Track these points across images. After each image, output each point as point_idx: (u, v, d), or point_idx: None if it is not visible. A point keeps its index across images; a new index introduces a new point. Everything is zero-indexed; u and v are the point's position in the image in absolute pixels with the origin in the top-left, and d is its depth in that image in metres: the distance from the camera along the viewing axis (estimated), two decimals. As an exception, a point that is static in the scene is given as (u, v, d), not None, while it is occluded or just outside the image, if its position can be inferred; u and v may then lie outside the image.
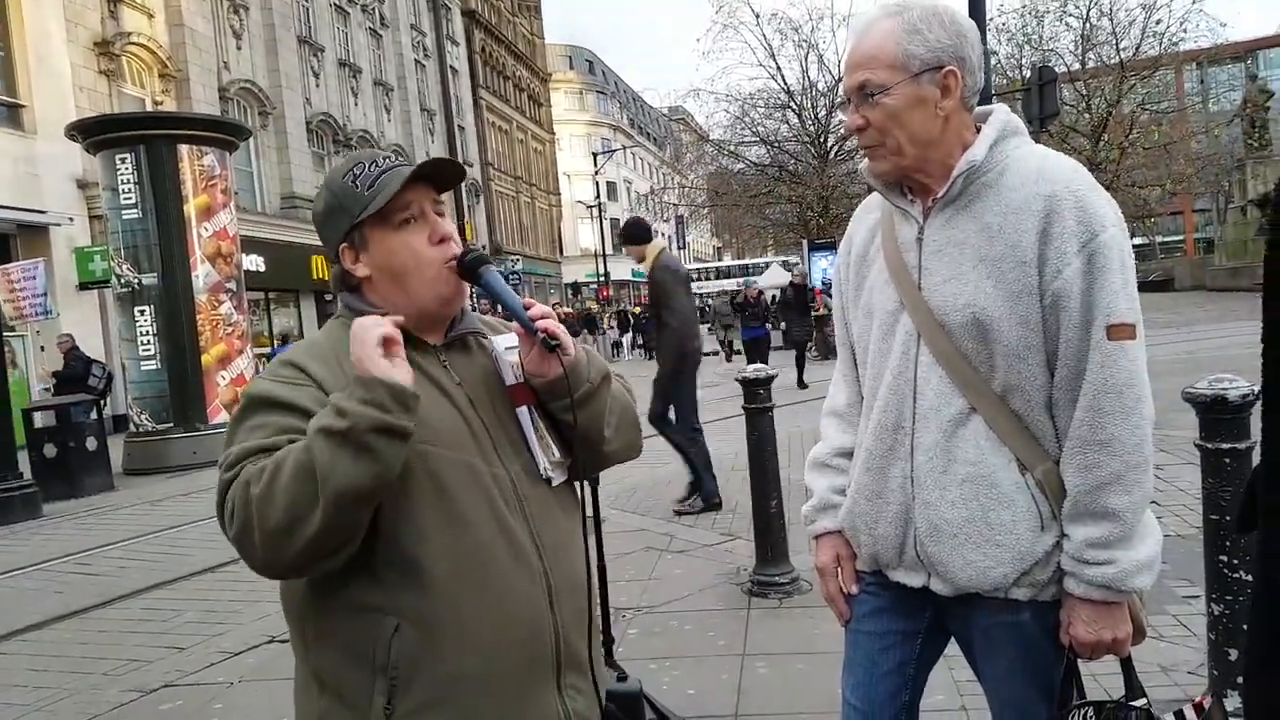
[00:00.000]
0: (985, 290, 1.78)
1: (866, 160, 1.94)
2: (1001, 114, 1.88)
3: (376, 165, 1.71)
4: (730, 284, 40.48)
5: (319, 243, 1.80)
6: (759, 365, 5.52)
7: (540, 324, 1.68)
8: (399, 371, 1.49)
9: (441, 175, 1.75)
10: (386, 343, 1.51)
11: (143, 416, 14.18)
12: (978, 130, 1.87)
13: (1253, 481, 1.13)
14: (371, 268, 1.71)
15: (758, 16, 34.36)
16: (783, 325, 18.60)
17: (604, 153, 62.87)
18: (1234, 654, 3.22)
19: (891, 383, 1.92)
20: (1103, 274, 1.71)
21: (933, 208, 1.88)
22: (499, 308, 1.80)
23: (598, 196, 56.97)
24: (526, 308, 1.71)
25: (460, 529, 1.59)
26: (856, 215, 2.14)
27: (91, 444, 12.13)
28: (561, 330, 1.70)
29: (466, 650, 1.58)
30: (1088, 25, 34.44)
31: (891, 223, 1.98)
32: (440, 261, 1.70)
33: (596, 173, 59.69)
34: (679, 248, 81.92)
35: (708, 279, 54.97)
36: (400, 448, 1.49)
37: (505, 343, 1.80)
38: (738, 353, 27.38)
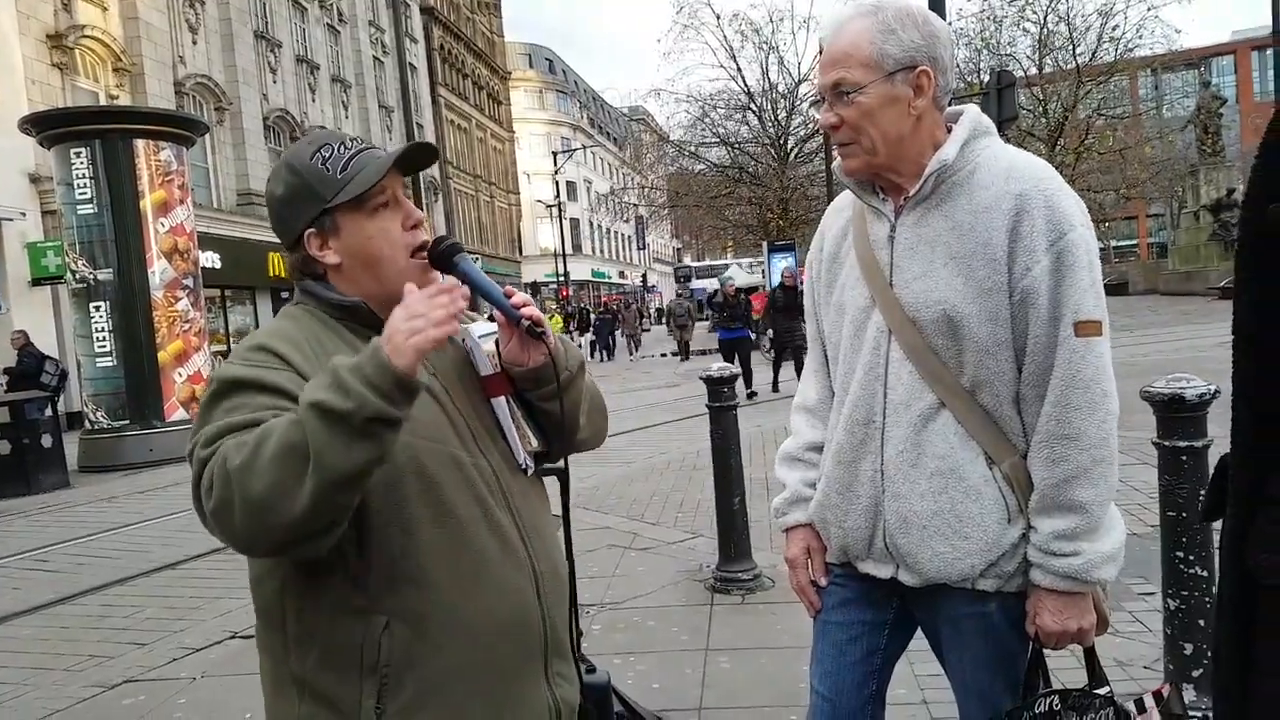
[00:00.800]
0: (956, 287, 1.82)
1: (839, 159, 1.97)
2: (972, 114, 1.92)
3: (345, 147, 1.65)
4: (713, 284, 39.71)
5: (277, 239, 1.68)
6: (724, 364, 5.54)
7: (524, 311, 1.65)
8: (418, 366, 1.40)
9: (414, 160, 1.71)
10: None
11: (98, 414, 13.98)
12: (949, 130, 1.91)
13: (1221, 469, 1.17)
14: (343, 254, 1.64)
15: (719, 17, 34.48)
16: (769, 330, 17.37)
17: (564, 152, 62.75)
18: (1189, 648, 3.30)
19: (863, 378, 1.96)
20: (1070, 272, 1.76)
21: (904, 206, 1.92)
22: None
23: (557, 196, 56.89)
24: (507, 295, 1.69)
25: (448, 521, 1.57)
26: (828, 214, 2.18)
27: (46, 441, 11.96)
28: (543, 317, 1.68)
29: (460, 643, 1.56)
30: (1045, 30, 34.83)
31: (863, 221, 2.01)
32: (414, 247, 1.66)
33: (556, 172, 59.59)
34: (639, 248, 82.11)
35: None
36: (395, 436, 1.41)
37: (479, 331, 1.74)
38: (701, 353, 27.40)
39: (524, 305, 1.67)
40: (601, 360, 32.88)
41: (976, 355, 1.83)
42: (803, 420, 2.23)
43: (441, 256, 1.68)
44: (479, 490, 1.61)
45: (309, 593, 1.53)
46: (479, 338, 1.74)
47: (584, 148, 72.41)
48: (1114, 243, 66.70)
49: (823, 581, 2.15)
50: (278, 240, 1.69)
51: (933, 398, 1.87)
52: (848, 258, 2.04)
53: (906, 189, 1.91)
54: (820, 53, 1.96)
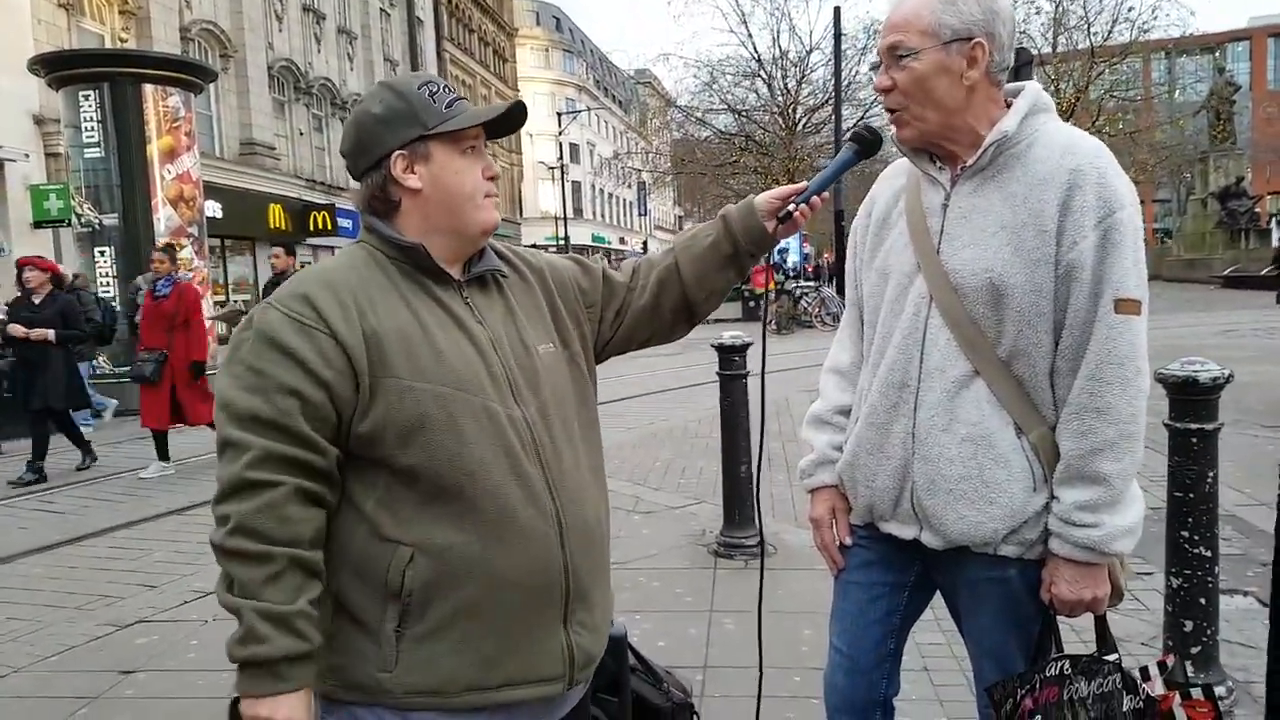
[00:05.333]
0: (1004, 257, 1.87)
1: (894, 128, 2.02)
2: (1033, 90, 1.96)
3: (448, 90, 1.74)
4: None
5: (277, 190, 1.73)
6: (736, 333, 5.57)
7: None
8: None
9: (511, 120, 1.78)
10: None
11: (102, 358, 13.99)
12: (1008, 105, 1.95)
13: None
14: (427, 182, 1.70)
15: (731, -21, 33.93)
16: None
17: (568, 113, 62.18)
18: (1189, 625, 3.39)
19: (900, 342, 2.00)
20: (1116, 249, 1.80)
21: (961, 175, 1.96)
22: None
23: (560, 158, 56.49)
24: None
25: (476, 471, 1.63)
26: (880, 181, 2.22)
27: (53, 381, 11.90)
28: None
29: (479, 583, 1.63)
30: (1059, 8, 34.29)
31: (917, 188, 2.05)
32: (485, 192, 1.76)
33: (560, 133, 59.15)
34: (640, 214, 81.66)
35: None
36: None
37: None
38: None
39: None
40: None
41: (1016, 326, 1.87)
42: (833, 383, 2.28)
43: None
44: (508, 441, 1.67)
45: (347, 519, 1.65)
46: None
47: (589, 110, 71.40)
48: (1117, 226, 66.22)
49: (847, 541, 2.21)
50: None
51: (968, 366, 1.92)
52: (897, 223, 2.08)
53: (963, 158, 1.95)
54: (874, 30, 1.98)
